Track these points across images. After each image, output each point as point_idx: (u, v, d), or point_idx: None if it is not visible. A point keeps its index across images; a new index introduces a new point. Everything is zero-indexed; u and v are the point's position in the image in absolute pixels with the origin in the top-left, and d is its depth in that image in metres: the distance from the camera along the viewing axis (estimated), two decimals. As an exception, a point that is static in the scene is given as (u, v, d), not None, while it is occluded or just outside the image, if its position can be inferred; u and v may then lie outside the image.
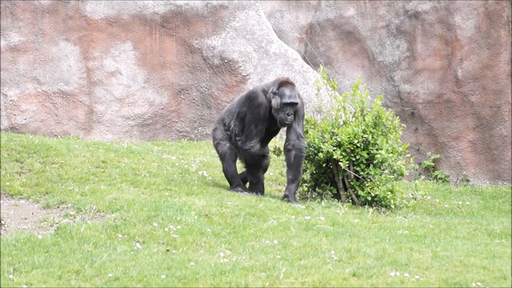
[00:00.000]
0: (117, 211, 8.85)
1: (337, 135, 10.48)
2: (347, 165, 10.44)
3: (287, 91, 10.05)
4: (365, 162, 10.55)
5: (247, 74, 14.89)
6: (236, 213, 9.09)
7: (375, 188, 10.43)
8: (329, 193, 10.66)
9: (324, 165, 10.73)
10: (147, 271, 6.98)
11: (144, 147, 12.67)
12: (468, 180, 15.50)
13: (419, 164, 15.88)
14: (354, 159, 10.52)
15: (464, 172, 15.59)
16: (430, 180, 15.37)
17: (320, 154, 10.44)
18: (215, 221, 8.76)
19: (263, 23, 15.30)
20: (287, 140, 10.28)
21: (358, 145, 10.46)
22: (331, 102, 11.10)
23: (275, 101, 10.04)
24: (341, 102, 10.95)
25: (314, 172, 10.86)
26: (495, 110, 15.40)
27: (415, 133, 16.08)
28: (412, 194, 11.26)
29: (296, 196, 10.40)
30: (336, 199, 10.56)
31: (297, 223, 8.96)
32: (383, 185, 10.52)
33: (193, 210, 9.06)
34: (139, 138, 14.55)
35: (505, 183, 15.27)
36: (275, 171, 11.99)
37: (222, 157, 10.54)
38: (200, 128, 14.86)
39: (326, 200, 10.45)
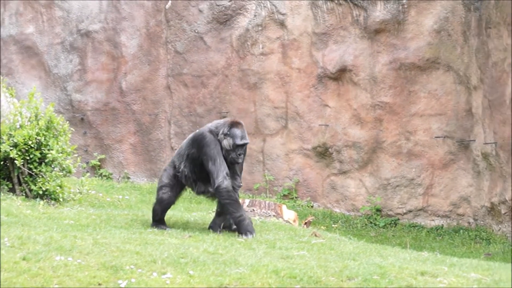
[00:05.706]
0: None
1: (14, 136, 10.54)
2: (22, 163, 10.56)
3: (238, 132, 9.19)
4: (38, 160, 10.73)
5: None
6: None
7: (46, 183, 10.62)
8: (6, 187, 10.67)
9: (2, 162, 10.64)
10: None
11: None
12: (128, 178, 16.12)
13: (87, 163, 16.20)
14: (28, 158, 10.63)
15: (126, 171, 16.23)
16: (96, 177, 15.64)
17: (-1, 153, 10.43)
18: None
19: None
20: None
21: (32, 145, 10.59)
22: (10, 107, 11.13)
23: (227, 142, 9.14)
24: (18, 108, 10.98)
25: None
26: (153, 118, 16.23)
27: (84, 136, 16.46)
28: (79, 189, 11.58)
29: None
30: (12, 193, 10.62)
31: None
32: (53, 180, 10.68)
33: None
34: None
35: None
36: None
37: (158, 201, 9.63)
38: None
39: (3, 194, 10.42)
